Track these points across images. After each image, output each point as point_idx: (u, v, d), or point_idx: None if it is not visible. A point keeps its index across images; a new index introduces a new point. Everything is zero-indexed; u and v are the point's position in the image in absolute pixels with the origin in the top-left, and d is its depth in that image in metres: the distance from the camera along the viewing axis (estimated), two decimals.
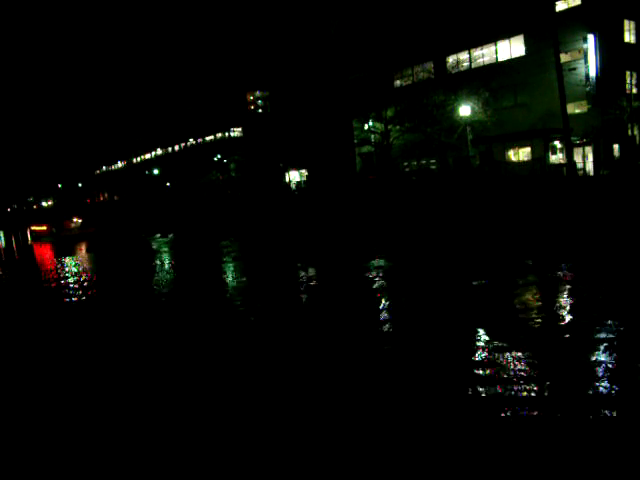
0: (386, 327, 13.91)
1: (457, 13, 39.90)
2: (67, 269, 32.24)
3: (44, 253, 47.37)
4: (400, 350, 11.90)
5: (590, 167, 32.43)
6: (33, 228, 61.52)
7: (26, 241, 60.04)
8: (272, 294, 19.39)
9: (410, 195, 32.50)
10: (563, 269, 18.44)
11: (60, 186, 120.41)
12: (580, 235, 22.48)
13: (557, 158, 34.60)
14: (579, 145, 32.84)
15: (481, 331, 12.59)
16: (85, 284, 25.74)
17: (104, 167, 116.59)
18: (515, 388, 9.19)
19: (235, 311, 17.25)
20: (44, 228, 59.58)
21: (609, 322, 12.23)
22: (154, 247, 41.85)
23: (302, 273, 23.51)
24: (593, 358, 10.23)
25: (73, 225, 57.19)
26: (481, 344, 11.73)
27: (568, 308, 14.14)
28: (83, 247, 47.46)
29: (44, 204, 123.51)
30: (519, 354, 10.74)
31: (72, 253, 43.11)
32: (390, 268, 22.39)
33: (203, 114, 75.60)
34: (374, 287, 19.17)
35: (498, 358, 10.65)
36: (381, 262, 23.57)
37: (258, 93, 76.19)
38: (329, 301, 17.51)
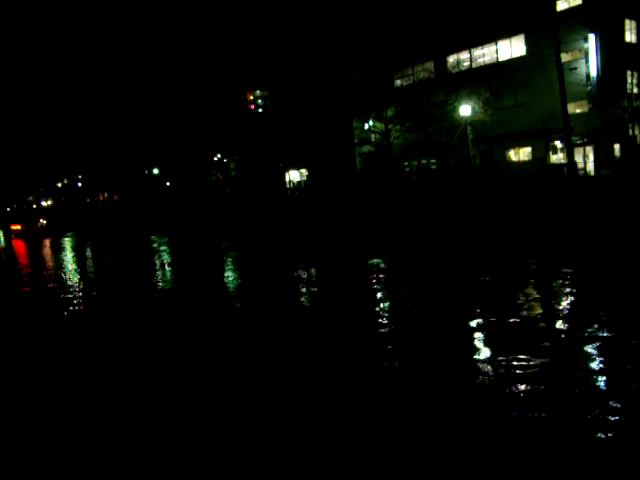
0: (382, 323, 13.86)
1: (458, 13, 39.83)
2: (61, 268, 32.22)
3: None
4: (394, 350, 11.84)
5: (591, 167, 32.37)
6: (12, 227, 71.97)
7: (11, 239, 67.19)
8: (272, 292, 19.32)
9: (410, 195, 32.44)
10: (563, 269, 18.38)
11: (60, 185, 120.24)
12: (581, 235, 22.44)
13: (558, 158, 34.57)
14: (580, 145, 32.79)
15: (474, 325, 12.54)
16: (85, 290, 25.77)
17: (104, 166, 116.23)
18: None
19: (229, 313, 17.17)
20: (19, 227, 69.17)
21: (606, 320, 12.24)
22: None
23: (303, 273, 23.43)
24: (590, 362, 10.17)
25: (39, 225, 67.68)
26: (473, 338, 11.69)
27: (562, 306, 14.10)
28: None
29: (44, 203, 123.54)
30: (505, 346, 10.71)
31: (53, 252, 44.84)
32: (390, 267, 22.32)
33: (204, 114, 75.38)
34: (373, 286, 19.13)
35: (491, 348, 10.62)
36: (381, 261, 23.51)
37: (258, 93, 76.01)
38: (327, 299, 17.45)
